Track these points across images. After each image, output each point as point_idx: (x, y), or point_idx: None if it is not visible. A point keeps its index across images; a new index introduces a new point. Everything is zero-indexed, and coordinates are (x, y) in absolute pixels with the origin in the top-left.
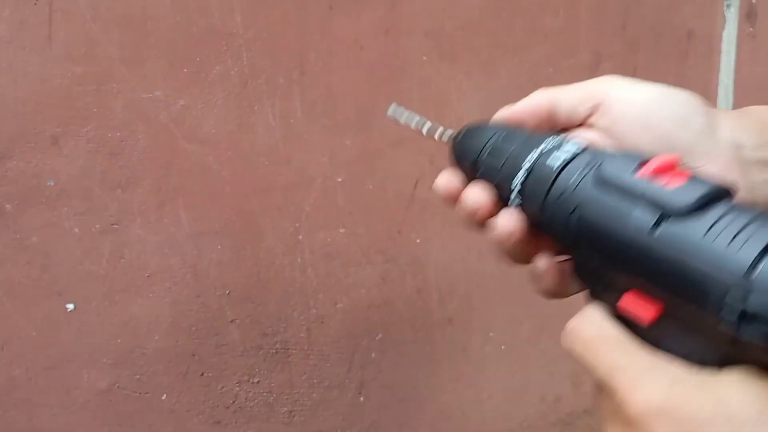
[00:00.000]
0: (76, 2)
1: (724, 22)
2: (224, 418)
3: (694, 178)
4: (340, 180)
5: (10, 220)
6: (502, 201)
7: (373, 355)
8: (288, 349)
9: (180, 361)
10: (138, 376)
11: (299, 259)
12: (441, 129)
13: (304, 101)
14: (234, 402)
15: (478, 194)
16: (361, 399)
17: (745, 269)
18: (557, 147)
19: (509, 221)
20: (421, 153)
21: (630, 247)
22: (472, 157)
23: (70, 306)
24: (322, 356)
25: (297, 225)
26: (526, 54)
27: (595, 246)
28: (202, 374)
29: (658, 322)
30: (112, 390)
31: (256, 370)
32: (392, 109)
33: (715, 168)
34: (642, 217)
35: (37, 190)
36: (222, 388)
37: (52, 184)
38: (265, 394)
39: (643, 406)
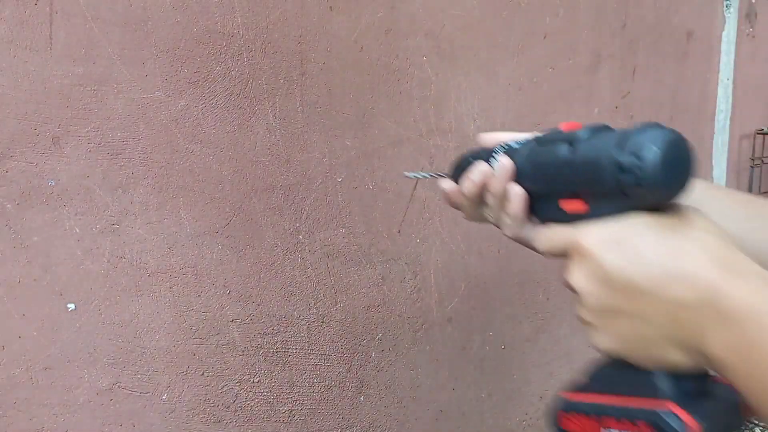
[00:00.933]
0: (77, 2)
1: (724, 22)
2: (225, 417)
3: (587, 125)
4: (340, 180)
5: (10, 220)
6: None
7: (372, 355)
8: (288, 348)
9: (180, 361)
10: (138, 376)
11: (299, 259)
12: (437, 171)
13: (304, 101)
14: (234, 401)
15: (478, 171)
16: (361, 398)
17: (621, 148)
18: (514, 144)
19: (506, 160)
20: (421, 153)
21: (562, 165)
22: (465, 165)
23: (71, 306)
24: (322, 356)
25: (297, 225)
26: (525, 54)
27: (544, 175)
28: (203, 374)
29: (586, 210)
30: (113, 389)
31: (257, 369)
32: (407, 173)
33: None
34: (564, 147)
35: (38, 190)
36: (222, 387)
37: (53, 184)
38: (265, 393)
39: (592, 241)
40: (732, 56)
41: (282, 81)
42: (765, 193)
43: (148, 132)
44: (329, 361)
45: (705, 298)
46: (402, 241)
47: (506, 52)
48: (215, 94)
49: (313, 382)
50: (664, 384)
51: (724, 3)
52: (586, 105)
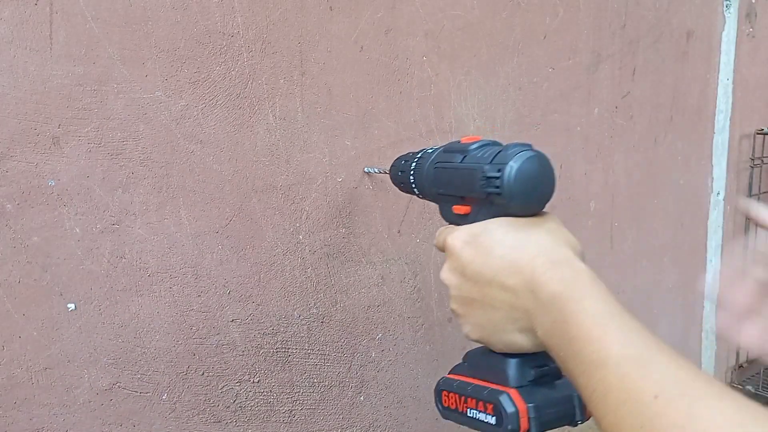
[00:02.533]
0: (77, 2)
1: (724, 22)
2: (225, 417)
3: (482, 140)
4: (340, 180)
5: (10, 220)
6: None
7: (372, 355)
8: (288, 348)
9: (180, 361)
10: (138, 376)
11: (299, 259)
12: (384, 168)
13: (304, 101)
14: (234, 401)
15: None
16: (361, 398)
17: (491, 162)
18: (429, 149)
19: None
20: None
21: (452, 171)
22: (398, 166)
23: (71, 306)
24: (322, 356)
25: (297, 225)
26: (525, 54)
27: (440, 178)
28: (203, 374)
29: (468, 212)
30: (113, 389)
31: (257, 369)
32: (367, 169)
33: None
34: (458, 157)
35: (37, 190)
36: (222, 387)
37: (53, 184)
38: (265, 393)
39: (455, 240)
40: (732, 56)
41: (282, 81)
42: (765, 193)
43: (148, 132)
44: (329, 361)
45: (528, 287)
46: (402, 241)
47: (506, 52)
48: (215, 94)
49: (313, 382)
50: (512, 371)
51: (724, 3)
52: (586, 105)
